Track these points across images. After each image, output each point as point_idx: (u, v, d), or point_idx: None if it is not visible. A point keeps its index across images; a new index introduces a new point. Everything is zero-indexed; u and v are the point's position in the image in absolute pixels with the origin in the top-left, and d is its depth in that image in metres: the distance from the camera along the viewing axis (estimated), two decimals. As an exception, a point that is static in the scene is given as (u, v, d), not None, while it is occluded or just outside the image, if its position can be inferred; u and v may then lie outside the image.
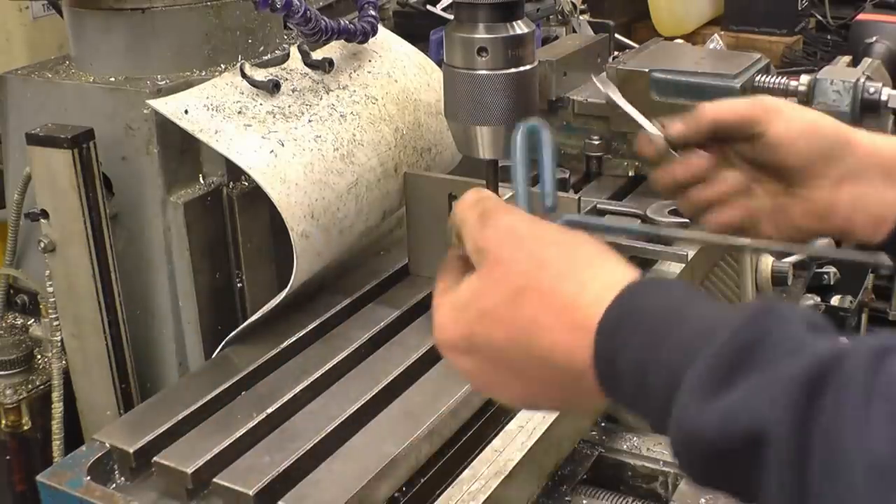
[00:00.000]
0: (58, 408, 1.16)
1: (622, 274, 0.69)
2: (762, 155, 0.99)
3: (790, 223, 1.01)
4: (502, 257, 0.74)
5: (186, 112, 1.05)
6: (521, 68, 1.00)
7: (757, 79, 1.78)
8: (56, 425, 1.16)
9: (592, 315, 0.67)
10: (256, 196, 1.13)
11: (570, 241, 0.74)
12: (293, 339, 1.11)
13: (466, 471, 0.96)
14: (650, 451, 1.21)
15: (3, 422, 1.19)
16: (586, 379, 0.67)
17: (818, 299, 2.48)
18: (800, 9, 3.14)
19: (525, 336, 0.71)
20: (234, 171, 1.13)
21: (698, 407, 0.59)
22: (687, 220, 1.32)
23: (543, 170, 0.81)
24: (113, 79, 1.15)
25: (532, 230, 0.75)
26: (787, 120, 0.97)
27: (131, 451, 0.94)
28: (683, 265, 1.29)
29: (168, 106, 1.05)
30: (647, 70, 1.67)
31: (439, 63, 1.15)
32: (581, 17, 2.47)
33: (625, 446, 1.19)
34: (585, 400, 0.72)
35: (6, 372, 1.20)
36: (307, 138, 1.10)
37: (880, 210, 1.00)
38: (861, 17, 2.98)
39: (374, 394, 1.01)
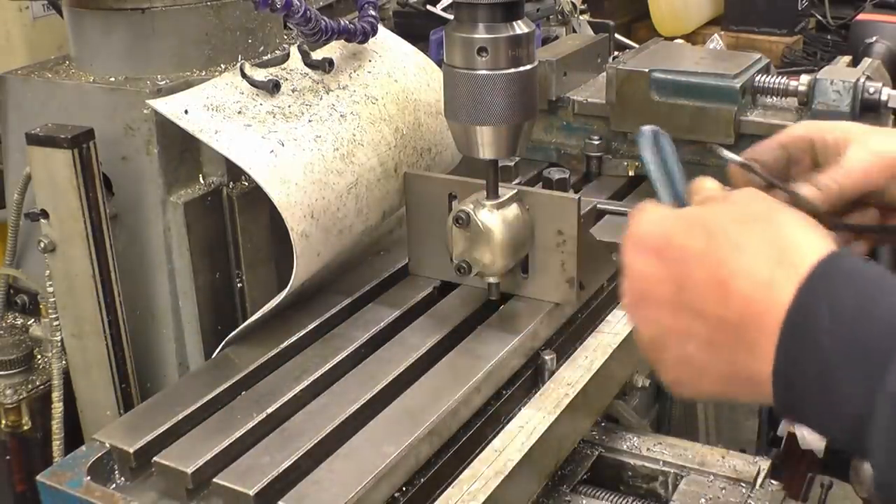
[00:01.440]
0: (58, 408, 1.16)
1: (828, 243, 0.70)
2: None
3: None
4: (743, 197, 0.76)
5: (186, 112, 1.05)
6: (521, 68, 1.00)
7: (757, 79, 1.78)
8: (56, 425, 1.16)
9: (803, 262, 0.67)
10: (256, 196, 1.13)
11: (794, 210, 0.75)
12: (293, 339, 1.11)
13: (466, 471, 0.96)
14: (650, 451, 1.21)
15: (3, 422, 1.19)
16: (757, 325, 0.67)
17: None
18: (800, 9, 3.14)
19: (725, 254, 0.70)
20: (234, 171, 1.13)
21: None
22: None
23: (675, 171, 0.85)
24: (113, 79, 1.15)
25: (770, 198, 0.77)
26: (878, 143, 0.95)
27: (131, 451, 0.94)
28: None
29: (168, 106, 1.05)
30: (647, 70, 1.67)
31: (439, 63, 1.15)
32: (581, 17, 2.47)
33: (625, 446, 1.19)
34: (750, 372, 0.69)
35: (6, 372, 1.20)
36: (307, 138, 1.10)
37: None
38: (861, 17, 2.98)
39: (374, 394, 1.01)
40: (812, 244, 0.69)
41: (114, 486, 0.95)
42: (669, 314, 0.73)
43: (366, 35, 1.23)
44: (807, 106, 1.76)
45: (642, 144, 0.84)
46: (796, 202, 0.97)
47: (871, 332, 0.62)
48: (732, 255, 0.70)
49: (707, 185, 0.82)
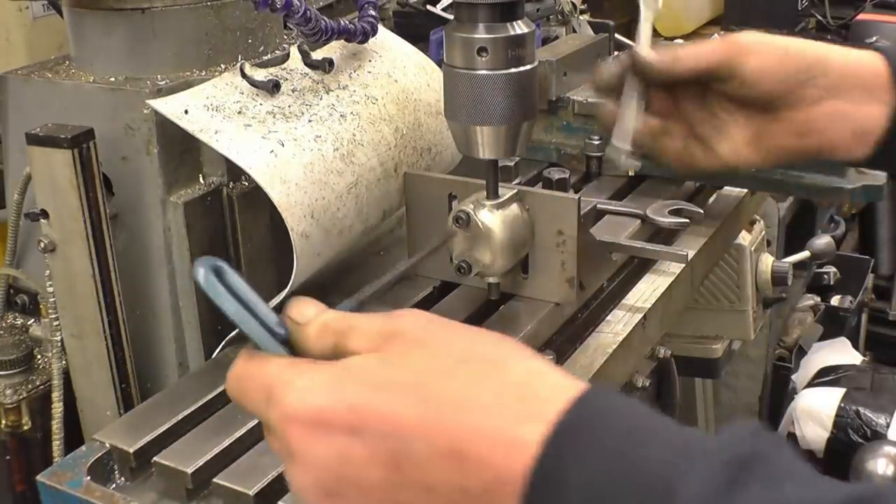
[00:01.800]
0: (58, 408, 1.16)
1: (573, 379, 0.61)
2: (739, 91, 1.02)
3: (772, 144, 1.04)
4: (430, 335, 0.63)
5: (186, 112, 1.05)
6: (521, 68, 1.00)
7: (757, 79, 1.78)
8: (56, 425, 1.16)
9: (550, 409, 0.57)
10: (256, 196, 1.13)
11: (498, 333, 0.65)
12: (293, 339, 1.11)
13: (466, 471, 0.96)
14: (650, 451, 1.21)
15: (3, 422, 1.19)
16: (505, 490, 0.57)
17: (818, 299, 2.49)
18: (800, 9, 3.14)
19: (450, 417, 0.58)
20: (234, 171, 1.13)
21: None
22: (687, 221, 1.32)
23: (255, 303, 0.66)
24: (113, 79, 1.15)
25: (451, 321, 0.66)
26: (759, 54, 1.00)
27: (131, 451, 0.94)
28: (683, 265, 1.29)
29: (168, 106, 1.05)
30: None
31: (439, 63, 1.15)
32: (581, 17, 2.47)
33: (625, 446, 1.19)
34: None
35: (6, 372, 1.20)
36: (307, 138, 1.10)
37: (861, 125, 1.02)
38: (861, 17, 2.98)
39: (374, 394, 1.01)
40: (552, 384, 0.60)
41: (114, 486, 0.95)
42: (384, 497, 0.60)
43: (366, 35, 1.23)
44: (807, 106, 1.76)
45: (205, 284, 0.64)
46: (635, 62, 1.02)
47: (624, 496, 0.55)
48: (461, 416, 0.58)
49: (309, 309, 0.67)
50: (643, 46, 1.05)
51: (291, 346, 0.68)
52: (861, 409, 1.94)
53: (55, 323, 1.14)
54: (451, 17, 1.51)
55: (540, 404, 0.58)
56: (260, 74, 1.13)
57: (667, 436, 0.57)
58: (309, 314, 0.67)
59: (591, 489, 0.55)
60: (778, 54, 1.00)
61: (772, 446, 0.56)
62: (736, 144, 1.06)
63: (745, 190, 1.54)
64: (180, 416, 0.98)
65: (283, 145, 1.07)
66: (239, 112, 1.08)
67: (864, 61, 1.01)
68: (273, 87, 1.12)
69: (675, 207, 1.33)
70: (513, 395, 0.59)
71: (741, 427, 0.57)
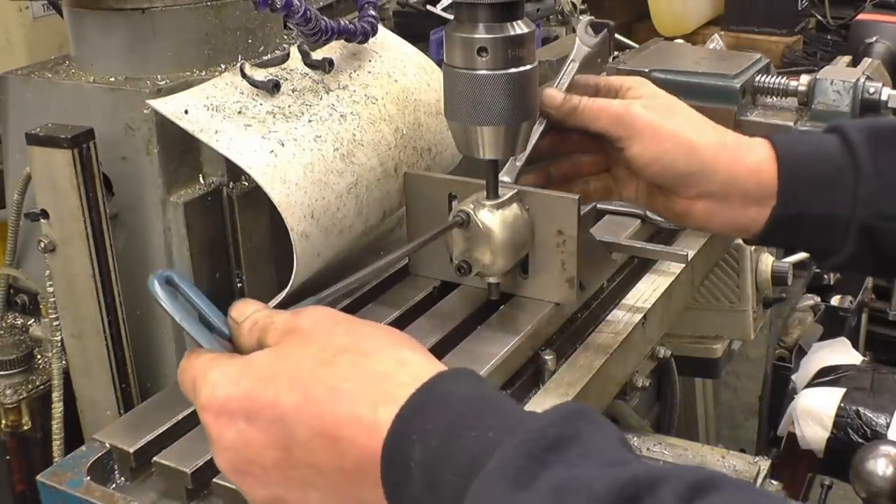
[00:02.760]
0: (58, 408, 1.16)
1: (435, 366, 0.68)
2: (624, 162, 1.05)
3: (662, 208, 1.08)
4: (318, 330, 0.71)
5: (186, 112, 1.05)
6: (521, 68, 1.00)
7: (757, 79, 1.78)
8: (56, 425, 1.16)
9: (405, 394, 0.65)
10: (256, 196, 1.13)
11: (387, 328, 0.74)
12: (293, 339, 1.11)
13: (466, 471, 0.96)
14: (650, 450, 1.21)
15: (3, 422, 1.19)
16: (370, 467, 0.64)
17: (818, 299, 2.48)
18: (800, 9, 3.14)
19: (323, 403, 0.66)
20: (234, 171, 1.13)
21: (502, 497, 0.57)
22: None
23: (202, 306, 0.77)
24: (113, 79, 1.15)
25: (348, 317, 0.74)
26: (648, 142, 1.01)
27: (131, 451, 0.94)
28: (683, 265, 1.29)
29: (168, 106, 1.05)
30: (647, 70, 1.67)
31: (439, 63, 1.15)
32: (581, 17, 2.47)
33: (625, 446, 1.19)
34: (365, 496, 0.67)
35: (6, 372, 1.20)
36: (307, 138, 1.10)
37: (740, 223, 1.05)
38: (861, 17, 2.98)
39: (374, 394, 1.01)
40: (413, 372, 0.67)
41: (114, 486, 0.95)
42: (282, 475, 0.69)
43: (366, 35, 1.23)
44: (807, 106, 1.76)
45: (156, 294, 0.75)
46: (540, 101, 1.06)
47: (450, 470, 0.61)
48: (333, 402, 0.66)
49: (248, 308, 0.77)
50: (557, 88, 1.10)
51: (233, 344, 0.77)
52: (861, 409, 1.93)
53: (55, 323, 1.14)
54: (451, 17, 1.51)
55: (397, 389, 0.65)
56: (260, 74, 1.13)
57: (496, 416, 0.63)
58: (246, 312, 0.77)
59: (428, 463, 0.62)
60: (667, 147, 1.00)
61: (591, 427, 0.61)
62: (635, 193, 1.10)
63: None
64: (180, 416, 0.98)
65: (283, 145, 1.07)
66: (239, 112, 1.08)
67: (753, 168, 1.01)
68: (273, 87, 1.12)
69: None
70: (375, 381, 0.67)
71: (564, 406, 0.63)
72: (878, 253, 1.01)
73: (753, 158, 1.01)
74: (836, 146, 1.00)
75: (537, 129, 1.10)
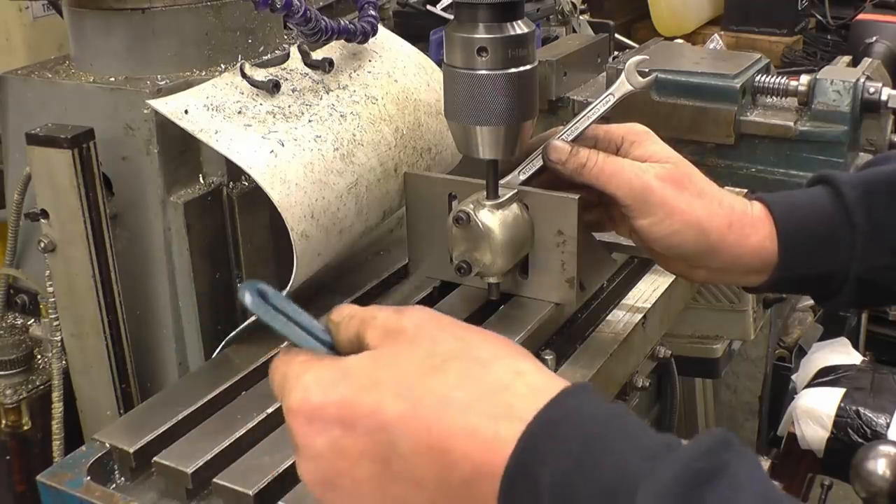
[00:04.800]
0: (58, 408, 1.16)
1: (554, 379, 0.64)
2: (627, 224, 1.05)
3: (651, 256, 1.09)
4: (424, 333, 0.67)
5: (186, 112, 1.05)
6: (521, 68, 1.00)
7: (757, 79, 1.78)
8: (56, 425, 1.16)
9: (527, 409, 0.61)
10: (256, 196, 1.13)
11: (496, 335, 0.69)
12: (293, 339, 1.11)
13: (466, 471, 0.96)
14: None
15: (3, 422, 1.19)
16: (484, 483, 0.61)
17: (818, 299, 2.48)
18: (800, 9, 3.14)
19: (432, 413, 0.62)
20: (234, 171, 1.13)
21: None
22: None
23: (299, 316, 0.74)
24: (113, 79, 1.15)
25: (454, 320, 0.70)
26: (654, 221, 1.00)
27: (131, 451, 0.94)
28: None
29: (168, 106, 1.05)
30: (647, 70, 1.67)
31: (439, 63, 1.15)
32: (581, 17, 2.47)
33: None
34: None
35: (6, 372, 1.20)
36: (307, 138, 1.10)
37: (738, 284, 1.11)
38: (861, 17, 2.98)
39: (374, 394, 1.01)
40: (531, 384, 0.63)
41: (114, 486, 0.95)
42: (376, 489, 0.64)
43: (366, 35, 1.23)
44: (807, 106, 1.76)
45: (251, 306, 0.71)
46: (544, 152, 1.05)
47: (589, 495, 0.58)
48: (443, 413, 0.62)
49: (346, 310, 0.73)
50: (563, 139, 1.06)
51: (335, 348, 0.73)
52: (861, 409, 1.94)
53: (55, 323, 1.14)
54: (451, 17, 1.51)
55: (518, 403, 0.62)
56: (260, 74, 1.13)
57: (635, 439, 0.60)
58: (344, 312, 0.74)
59: (560, 486, 0.58)
60: (678, 228, 1.00)
61: (738, 459, 0.58)
62: (629, 234, 1.09)
63: (745, 190, 1.54)
64: (180, 416, 0.98)
65: (283, 145, 1.07)
66: (239, 112, 1.08)
67: (757, 247, 1.02)
68: (273, 87, 1.12)
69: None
70: (493, 393, 0.63)
71: (712, 436, 0.59)
72: (876, 298, 1.08)
73: (757, 237, 1.02)
74: (830, 206, 1.02)
75: (531, 168, 1.09)
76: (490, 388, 0.63)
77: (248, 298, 0.71)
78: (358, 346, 0.71)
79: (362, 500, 0.66)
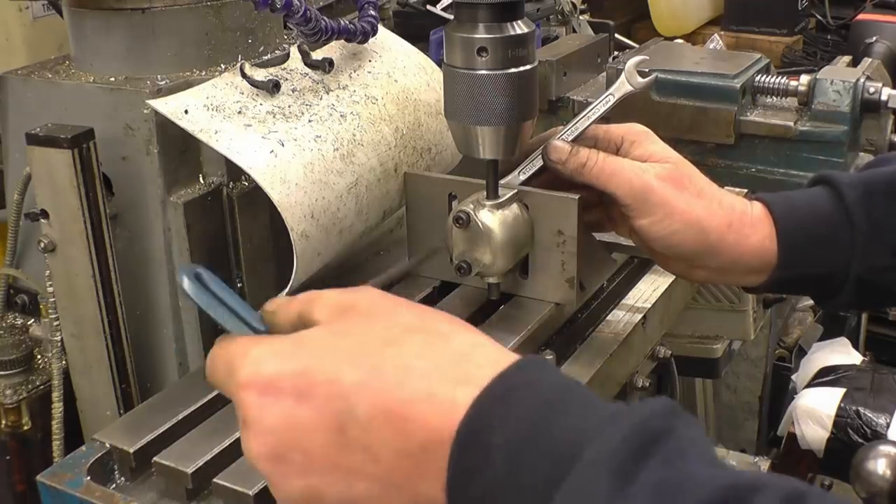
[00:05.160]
0: (58, 408, 1.16)
1: (511, 354, 0.65)
2: (627, 224, 1.05)
3: (651, 256, 1.09)
4: (379, 309, 0.67)
5: (186, 112, 1.05)
6: (522, 68, 1.00)
7: (757, 79, 1.78)
8: (56, 425, 1.16)
9: (485, 376, 0.61)
10: (256, 196, 1.13)
11: (451, 315, 0.69)
12: (293, 339, 1.11)
13: (466, 471, 0.96)
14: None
15: (3, 422, 1.19)
16: (439, 449, 0.60)
17: (818, 299, 2.48)
18: (800, 9, 3.14)
19: (392, 379, 0.62)
20: (234, 171, 1.13)
21: (607, 489, 0.55)
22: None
23: (233, 302, 0.72)
24: (113, 79, 1.15)
25: (407, 301, 0.70)
26: (654, 220, 1.00)
27: (131, 451, 0.94)
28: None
29: (168, 106, 1.05)
30: (647, 70, 1.67)
31: (439, 63, 1.15)
32: (581, 17, 2.47)
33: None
34: (431, 499, 0.63)
35: (6, 372, 1.20)
36: (307, 138, 1.10)
37: (737, 284, 1.12)
38: (861, 17, 2.98)
39: (374, 394, 1.01)
40: (489, 356, 0.64)
41: (114, 486, 0.95)
42: (329, 459, 0.63)
43: (366, 35, 1.23)
44: (807, 106, 1.76)
45: (187, 289, 0.71)
46: (544, 151, 1.06)
47: (539, 458, 0.58)
48: (403, 380, 0.62)
49: (280, 299, 0.73)
50: (563, 139, 1.06)
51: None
52: (861, 409, 1.94)
53: (55, 323, 1.14)
54: (451, 17, 1.51)
55: (475, 370, 0.62)
56: (260, 74, 1.13)
57: (585, 406, 0.61)
58: (279, 301, 0.73)
59: (510, 449, 0.59)
60: (678, 228, 1.00)
61: (683, 424, 0.59)
62: (629, 234, 1.08)
63: (745, 190, 1.54)
64: (180, 416, 0.98)
65: (283, 145, 1.07)
66: (239, 112, 1.08)
67: (757, 247, 1.02)
68: (273, 87, 1.12)
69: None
70: (452, 361, 0.63)
71: (657, 402, 0.61)
72: (876, 298, 1.08)
73: (757, 238, 1.02)
74: (830, 206, 1.02)
75: (531, 168, 1.09)
76: (450, 358, 0.63)
77: (185, 282, 0.70)
78: (301, 327, 0.69)
79: (311, 475, 0.64)
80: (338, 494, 0.64)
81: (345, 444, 0.63)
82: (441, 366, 0.63)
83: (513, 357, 0.64)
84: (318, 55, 1.20)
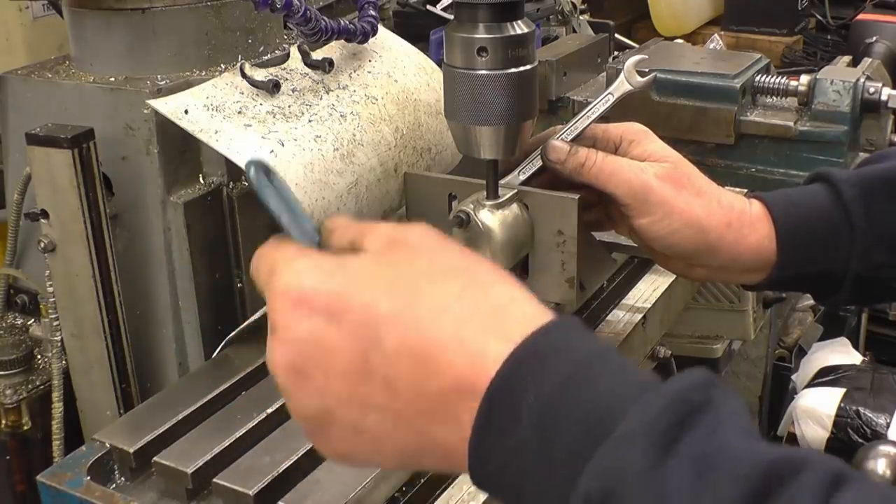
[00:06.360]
0: (58, 408, 1.16)
1: (548, 313, 0.64)
2: (626, 224, 1.05)
3: (650, 255, 1.09)
4: (428, 245, 0.66)
5: (186, 112, 1.05)
6: (522, 68, 1.00)
7: (757, 79, 1.78)
8: (56, 425, 1.16)
9: (519, 332, 0.60)
10: (256, 196, 1.13)
11: (495, 266, 0.68)
12: (293, 339, 1.11)
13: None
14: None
15: (3, 422, 1.19)
16: (462, 400, 0.60)
17: (818, 299, 2.48)
18: (800, 9, 3.14)
19: (426, 316, 0.61)
20: (234, 171, 1.13)
21: (646, 461, 0.54)
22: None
23: (295, 207, 0.72)
24: (113, 79, 1.15)
25: (459, 245, 0.69)
26: (654, 220, 1.00)
27: (131, 451, 0.94)
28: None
29: (168, 106, 1.05)
30: (647, 70, 1.67)
31: (439, 63, 1.15)
32: (581, 17, 2.47)
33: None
34: (444, 444, 0.62)
35: (6, 372, 1.20)
36: (307, 138, 1.10)
37: (736, 283, 1.15)
38: (861, 17, 2.98)
39: (374, 394, 1.01)
40: (526, 311, 0.63)
41: (114, 486, 0.95)
42: (348, 385, 0.62)
43: (366, 35, 1.23)
44: (807, 106, 1.76)
45: (253, 178, 0.71)
46: (543, 151, 1.05)
47: (571, 425, 0.57)
48: (436, 320, 0.61)
49: (341, 220, 0.72)
50: (561, 139, 1.06)
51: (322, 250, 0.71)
52: (861, 409, 1.94)
53: (55, 323, 1.14)
54: (451, 17, 1.51)
55: (511, 326, 0.61)
56: (260, 74, 1.13)
57: (622, 373, 0.60)
58: (339, 221, 0.72)
59: (543, 410, 0.58)
60: (677, 227, 1.00)
61: (722, 396, 0.58)
62: (628, 233, 1.08)
63: (745, 190, 1.54)
64: (180, 416, 0.98)
65: (283, 145, 1.07)
66: (239, 112, 1.08)
67: (755, 246, 1.02)
68: (273, 87, 1.12)
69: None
70: (488, 312, 0.62)
71: (696, 372, 0.60)
72: (875, 294, 1.07)
73: (756, 237, 1.02)
74: (829, 204, 1.02)
75: (531, 168, 1.09)
76: (487, 307, 0.62)
77: (252, 172, 0.70)
78: (351, 253, 0.69)
79: (327, 396, 0.64)
80: (350, 422, 0.64)
81: (366, 372, 0.62)
82: (476, 314, 0.62)
83: (549, 315, 0.63)
84: (318, 55, 1.20)
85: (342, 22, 1.19)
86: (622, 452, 0.55)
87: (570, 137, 1.06)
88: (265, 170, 0.71)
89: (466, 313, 0.61)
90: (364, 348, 0.62)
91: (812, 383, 2.08)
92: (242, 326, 1.10)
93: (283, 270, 0.66)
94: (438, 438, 0.62)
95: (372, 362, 0.62)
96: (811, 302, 2.43)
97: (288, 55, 1.19)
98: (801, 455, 0.55)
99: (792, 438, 1.96)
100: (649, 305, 1.23)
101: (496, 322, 0.61)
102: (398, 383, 0.61)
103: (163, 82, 1.12)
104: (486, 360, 0.60)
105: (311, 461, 0.92)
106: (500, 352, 0.60)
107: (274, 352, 0.66)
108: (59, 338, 1.15)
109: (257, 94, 1.11)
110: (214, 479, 0.89)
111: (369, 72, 1.24)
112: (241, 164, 1.04)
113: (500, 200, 1.07)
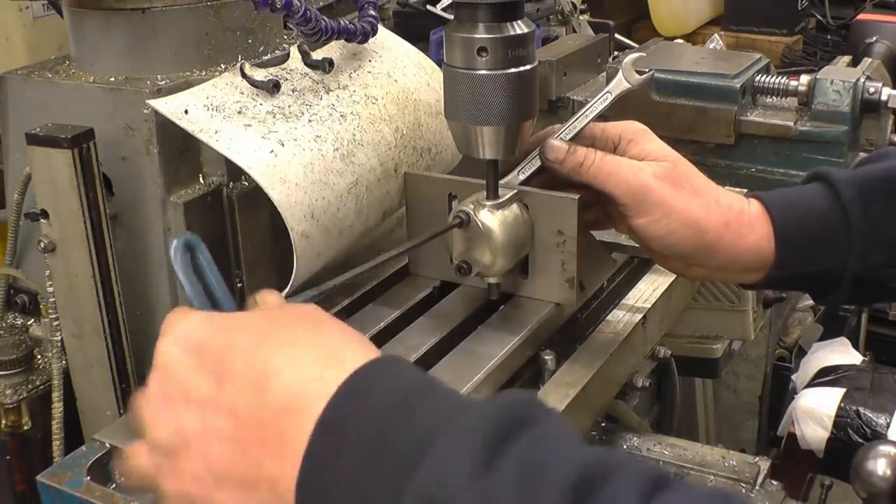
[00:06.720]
0: (58, 408, 1.16)
1: (374, 349, 0.69)
2: (625, 223, 1.05)
3: (649, 254, 1.09)
4: (306, 310, 0.75)
5: (186, 112, 1.05)
6: (522, 68, 1.00)
7: (757, 79, 1.79)
8: (56, 425, 1.16)
9: (351, 365, 0.65)
10: (256, 196, 1.13)
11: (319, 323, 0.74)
12: (293, 339, 1.11)
13: (466, 471, 0.96)
14: (650, 451, 1.21)
15: (3, 422, 1.19)
16: (295, 417, 0.63)
17: (818, 299, 2.48)
18: (800, 9, 3.14)
19: (274, 346, 0.68)
20: (234, 171, 1.13)
21: (472, 467, 0.57)
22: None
23: (211, 280, 0.78)
24: (113, 79, 1.15)
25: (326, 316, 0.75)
26: (652, 220, 1.01)
27: (131, 451, 0.94)
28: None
29: (168, 106, 1.05)
30: (647, 70, 1.67)
31: (439, 63, 1.15)
32: (581, 17, 2.47)
33: (625, 446, 1.19)
34: (274, 478, 0.64)
35: (6, 372, 1.20)
36: (307, 138, 1.10)
37: (734, 282, 1.16)
38: (861, 17, 2.98)
39: (374, 394, 1.01)
40: (358, 351, 0.68)
41: (114, 486, 0.95)
42: (199, 411, 0.67)
43: (366, 35, 1.23)
44: (807, 106, 1.77)
45: (172, 256, 0.77)
46: (541, 151, 1.06)
47: (397, 443, 0.60)
48: (280, 351, 0.67)
49: (269, 298, 0.79)
50: (560, 138, 1.06)
51: None
52: (861, 409, 1.93)
53: (55, 323, 1.14)
54: (451, 17, 1.51)
55: (345, 359, 0.66)
56: (260, 74, 1.13)
57: (445, 398, 0.64)
58: (269, 300, 0.79)
59: (370, 432, 0.61)
60: (675, 227, 1.00)
61: (545, 413, 0.62)
62: (628, 231, 1.08)
63: (745, 190, 1.54)
64: (180, 416, 0.98)
65: (283, 145, 1.07)
66: (239, 112, 1.08)
67: (754, 246, 1.02)
68: (273, 87, 1.12)
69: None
70: (326, 348, 0.68)
71: (520, 392, 0.65)
72: (873, 295, 1.08)
73: (754, 237, 1.02)
74: (827, 204, 1.02)
75: (530, 167, 1.09)
76: (325, 344, 0.69)
77: (172, 247, 0.76)
78: None
79: (184, 419, 0.68)
80: (200, 453, 0.67)
81: (217, 396, 0.67)
82: (317, 349, 0.68)
83: (376, 352, 0.69)
84: (318, 55, 1.20)
85: (342, 22, 1.19)
86: (444, 466, 0.58)
87: (568, 136, 1.06)
88: (190, 246, 0.77)
89: (309, 348, 0.68)
90: (219, 372, 0.68)
91: (812, 383, 2.08)
92: (242, 326, 1.10)
93: (171, 322, 0.73)
94: (269, 472, 0.64)
95: (221, 391, 0.67)
96: (811, 302, 2.43)
97: (288, 55, 1.19)
98: (619, 458, 0.58)
99: (792, 438, 1.96)
100: (649, 305, 1.23)
101: (332, 355, 0.67)
102: (240, 408, 0.66)
103: (163, 82, 1.12)
104: (322, 384, 0.64)
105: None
106: (335, 378, 0.64)
107: (150, 382, 0.73)
108: (59, 338, 1.15)
109: (257, 94, 1.11)
110: (214, 479, 0.89)
111: (369, 72, 1.24)
112: (242, 164, 1.04)
113: (500, 200, 1.07)
